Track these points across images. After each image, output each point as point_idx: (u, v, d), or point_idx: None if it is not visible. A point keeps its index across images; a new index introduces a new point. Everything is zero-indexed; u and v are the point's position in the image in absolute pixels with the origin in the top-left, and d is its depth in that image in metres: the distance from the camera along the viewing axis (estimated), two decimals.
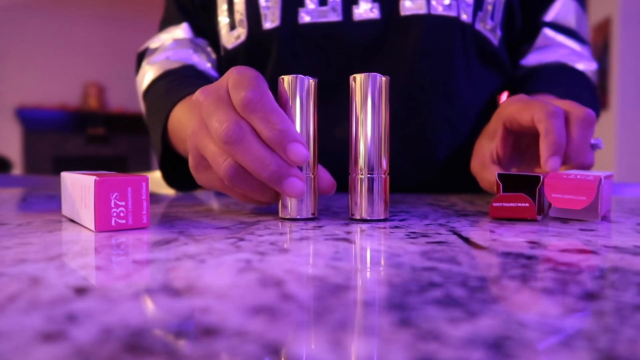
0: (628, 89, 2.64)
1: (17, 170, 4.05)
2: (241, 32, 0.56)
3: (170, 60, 0.59)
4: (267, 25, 0.54)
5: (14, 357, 0.09)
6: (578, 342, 0.10)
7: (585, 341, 0.10)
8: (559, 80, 0.57)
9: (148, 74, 0.59)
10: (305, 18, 0.53)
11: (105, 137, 4.43)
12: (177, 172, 0.57)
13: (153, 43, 0.63)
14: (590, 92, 0.58)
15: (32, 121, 4.17)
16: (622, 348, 0.10)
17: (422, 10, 0.51)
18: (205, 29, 0.61)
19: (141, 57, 0.64)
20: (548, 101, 0.40)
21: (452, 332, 0.11)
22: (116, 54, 4.48)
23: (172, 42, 0.61)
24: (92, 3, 4.28)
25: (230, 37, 0.57)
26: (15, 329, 0.11)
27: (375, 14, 0.52)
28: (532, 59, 0.60)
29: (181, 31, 0.62)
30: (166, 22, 0.64)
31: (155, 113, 0.54)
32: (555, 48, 0.60)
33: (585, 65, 0.60)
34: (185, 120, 0.47)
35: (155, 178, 0.79)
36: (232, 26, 0.56)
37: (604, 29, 2.73)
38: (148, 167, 4.53)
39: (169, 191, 0.63)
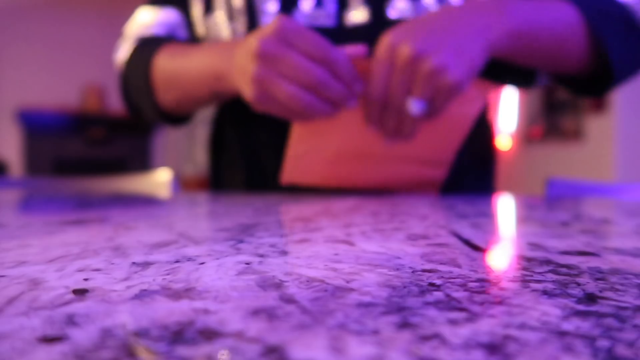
0: (628, 90, 2.64)
1: (13, 172, 4.04)
2: (239, 27, 0.57)
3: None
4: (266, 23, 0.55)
5: (13, 359, 0.09)
6: (578, 344, 0.10)
7: (586, 343, 0.10)
8: None
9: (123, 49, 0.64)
10: (301, 20, 0.54)
11: (106, 139, 4.43)
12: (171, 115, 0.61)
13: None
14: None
15: (32, 123, 4.17)
16: (623, 350, 0.10)
17: (409, 14, 0.52)
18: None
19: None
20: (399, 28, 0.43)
21: (453, 334, 0.11)
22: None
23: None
24: (93, 5, 4.28)
25: (227, 29, 0.58)
26: (15, 331, 0.11)
27: (365, 17, 0.53)
28: None
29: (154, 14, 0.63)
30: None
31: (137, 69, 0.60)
32: None
33: None
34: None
35: (155, 179, 0.79)
36: (230, 17, 0.57)
37: None
38: (148, 169, 4.53)
39: (168, 193, 0.63)
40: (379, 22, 0.52)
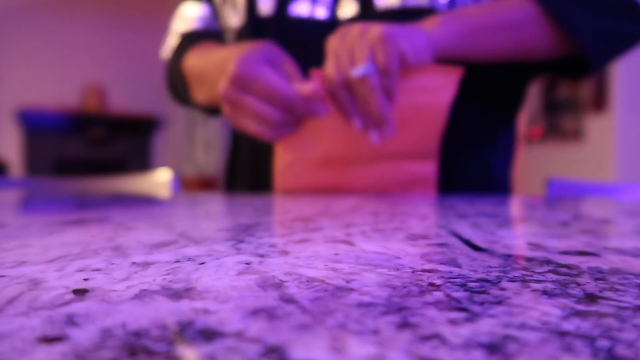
0: (628, 90, 2.64)
1: (13, 172, 4.05)
2: (239, 17, 0.60)
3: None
4: (263, 12, 0.58)
5: (13, 359, 0.09)
6: (578, 344, 0.10)
7: (586, 343, 0.10)
8: None
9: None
10: (296, 11, 0.56)
11: (106, 139, 4.43)
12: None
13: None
14: None
15: (32, 123, 4.17)
16: (623, 350, 0.10)
17: (396, 5, 0.53)
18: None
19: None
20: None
21: (453, 334, 0.11)
22: (117, 56, 4.48)
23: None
24: (93, 4, 4.28)
25: (232, 18, 0.62)
26: (15, 331, 0.11)
27: (354, 11, 0.54)
28: None
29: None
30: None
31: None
32: None
33: None
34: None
35: (155, 179, 0.79)
36: (233, 6, 0.61)
37: None
38: (148, 169, 4.52)
39: (168, 193, 0.63)
40: (368, 14, 0.54)
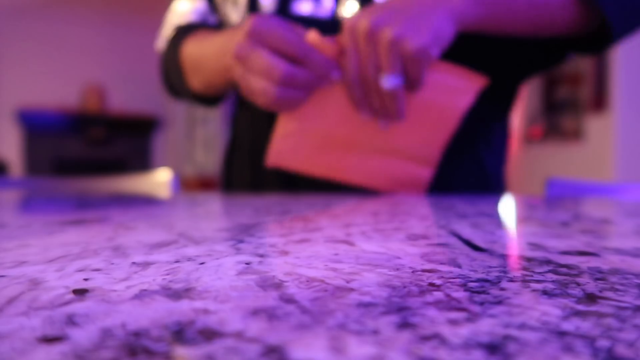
0: (628, 90, 2.64)
1: (13, 172, 4.05)
2: (240, 13, 0.60)
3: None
4: (264, 9, 0.58)
5: (13, 359, 0.09)
6: (578, 344, 0.10)
7: (586, 343, 0.10)
8: None
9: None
10: (298, 10, 0.56)
11: (106, 139, 4.43)
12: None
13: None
14: None
15: (32, 123, 4.17)
16: (623, 350, 0.10)
17: None
18: None
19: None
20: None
21: (453, 334, 0.11)
22: (117, 56, 4.48)
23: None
24: (93, 4, 4.28)
25: (233, 14, 0.62)
26: (15, 331, 0.11)
27: (355, 9, 0.54)
28: None
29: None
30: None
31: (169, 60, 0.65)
32: None
33: None
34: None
35: (155, 179, 0.79)
36: (234, 3, 0.61)
37: None
38: (148, 169, 4.52)
39: (168, 193, 0.63)
40: None
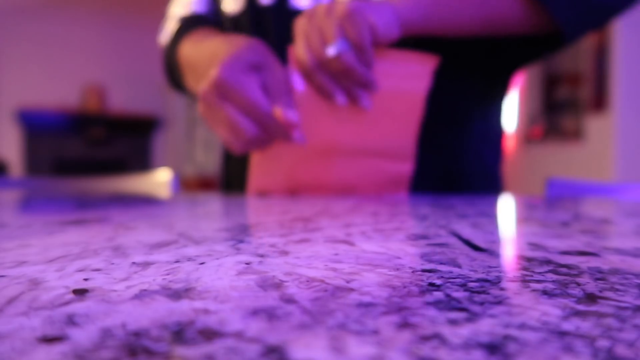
0: (628, 90, 2.64)
1: (13, 172, 4.05)
2: (238, 3, 0.60)
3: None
4: (263, 1, 0.58)
5: (13, 359, 0.09)
6: (578, 344, 0.10)
7: (586, 343, 0.10)
8: None
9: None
10: (296, 3, 0.56)
11: (106, 139, 4.43)
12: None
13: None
14: None
15: (32, 123, 4.17)
16: (623, 350, 0.10)
17: None
18: None
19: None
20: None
21: (453, 334, 0.11)
22: (117, 56, 4.48)
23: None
24: (93, 4, 4.28)
25: (230, 3, 0.61)
26: (15, 331, 0.11)
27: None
28: None
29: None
30: None
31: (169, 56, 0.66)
32: None
33: None
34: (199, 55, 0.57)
35: (155, 179, 0.79)
36: None
37: (603, 31, 2.74)
38: (148, 169, 4.52)
39: (168, 193, 0.63)
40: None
